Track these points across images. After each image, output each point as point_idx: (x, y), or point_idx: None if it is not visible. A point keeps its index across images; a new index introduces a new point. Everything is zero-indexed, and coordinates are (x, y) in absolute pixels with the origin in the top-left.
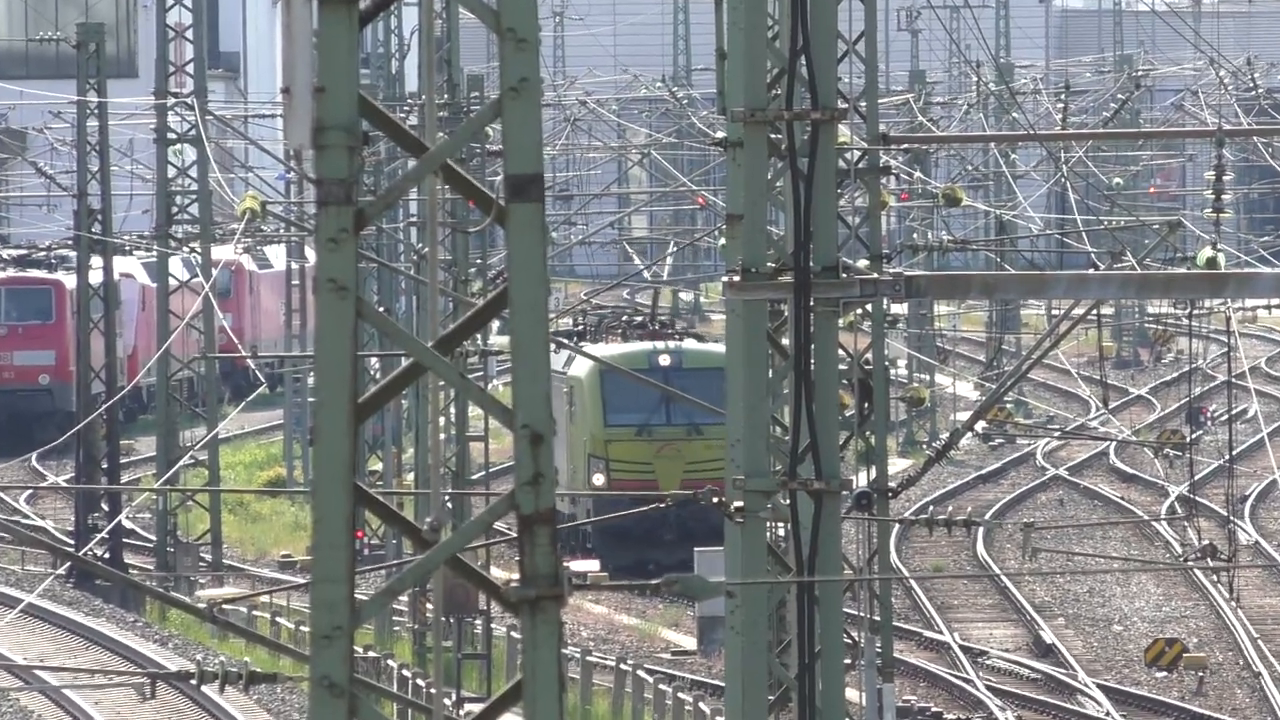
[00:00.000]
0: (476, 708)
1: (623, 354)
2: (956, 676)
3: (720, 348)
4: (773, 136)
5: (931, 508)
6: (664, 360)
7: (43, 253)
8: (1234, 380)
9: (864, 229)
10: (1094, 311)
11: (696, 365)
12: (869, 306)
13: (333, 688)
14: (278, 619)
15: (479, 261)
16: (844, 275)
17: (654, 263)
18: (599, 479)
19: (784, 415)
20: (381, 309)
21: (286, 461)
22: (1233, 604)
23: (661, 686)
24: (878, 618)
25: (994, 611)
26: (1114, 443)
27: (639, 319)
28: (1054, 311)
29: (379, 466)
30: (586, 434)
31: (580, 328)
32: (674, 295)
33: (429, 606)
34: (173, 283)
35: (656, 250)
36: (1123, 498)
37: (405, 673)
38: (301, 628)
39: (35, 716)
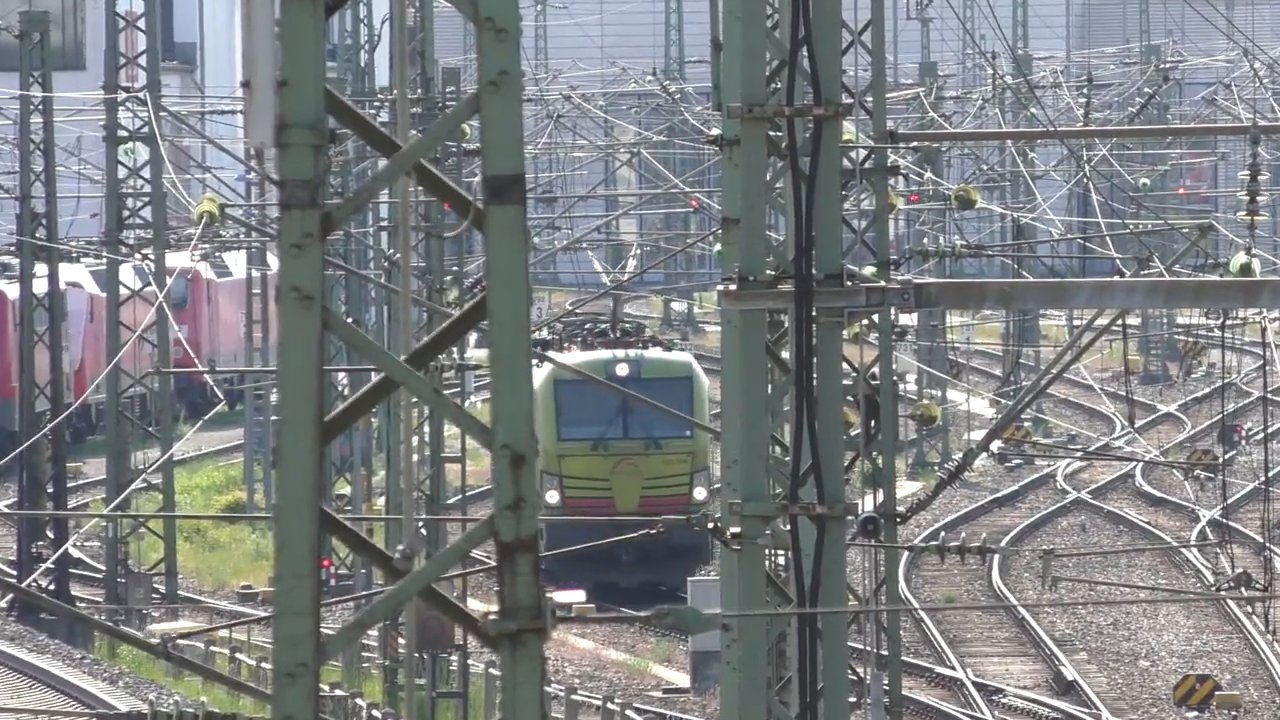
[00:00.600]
0: None
1: (578, 363)
2: (970, 716)
3: (681, 357)
4: (772, 134)
5: (943, 534)
6: (622, 370)
7: None
8: (1270, 396)
9: (870, 233)
10: (1119, 322)
11: (656, 375)
12: (875, 317)
13: None
14: (237, 655)
15: (455, 269)
16: (849, 283)
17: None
18: (552, 496)
19: (784, 434)
20: (350, 320)
21: (247, 485)
22: (1269, 637)
23: None
24: (885, 652)
25: (1010, 645)
26: (1141, 463)
27: (601, 327)
28: (1076, 322)
29: (347, 490)
30: (539, 448)
31: (546, 337)
32: (665, 305)
33: (401, 641)
34: (123, 292)
35: (647, 257)
36: (1150, 523)
37: (375, 713)
38: (263, 665)
39: None
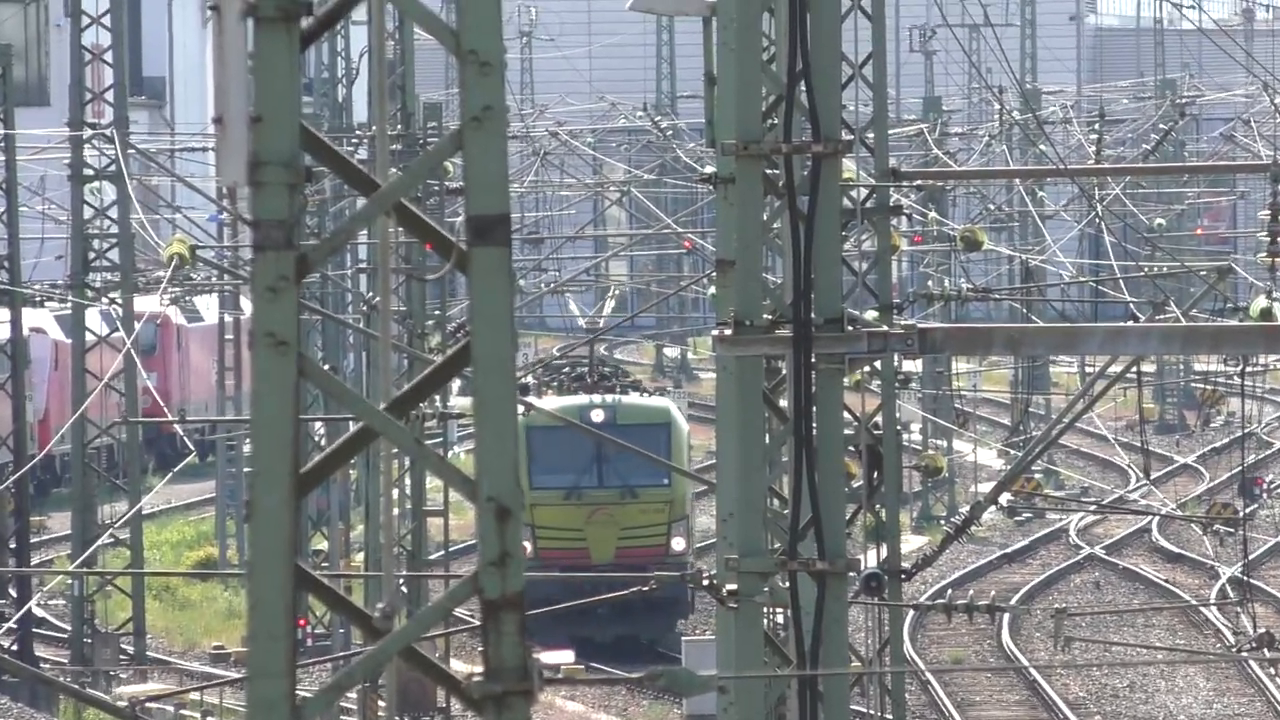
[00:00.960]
0: None
1: (552, 409)
2: None
3: (658, 402)
4: (769, 172)
5: (950, 591)
6: (597, 416)
7: None
8: None
9: (872, 276)
10: (1133, 369)
11: (632, 421)
12: (878, 363)
13: None
14: (208, 719)
15: (437, 313)
16: (850, 328)
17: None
18: (525, 548)
19: (782, 486)
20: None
21: (219, 540)
22: None
23: None
24: (890, 716)
25: (1022, 709)
26: (1157, 517)
27: (578, 371)
28: (1088, 369)
29: (324, 545)
30: None
31: (525, 382)
32: (658, 350)
33: (381, 704)
34: (90, 338)
35: (638, 300)
36: (1168, 580)
37: None
38: None
39: None
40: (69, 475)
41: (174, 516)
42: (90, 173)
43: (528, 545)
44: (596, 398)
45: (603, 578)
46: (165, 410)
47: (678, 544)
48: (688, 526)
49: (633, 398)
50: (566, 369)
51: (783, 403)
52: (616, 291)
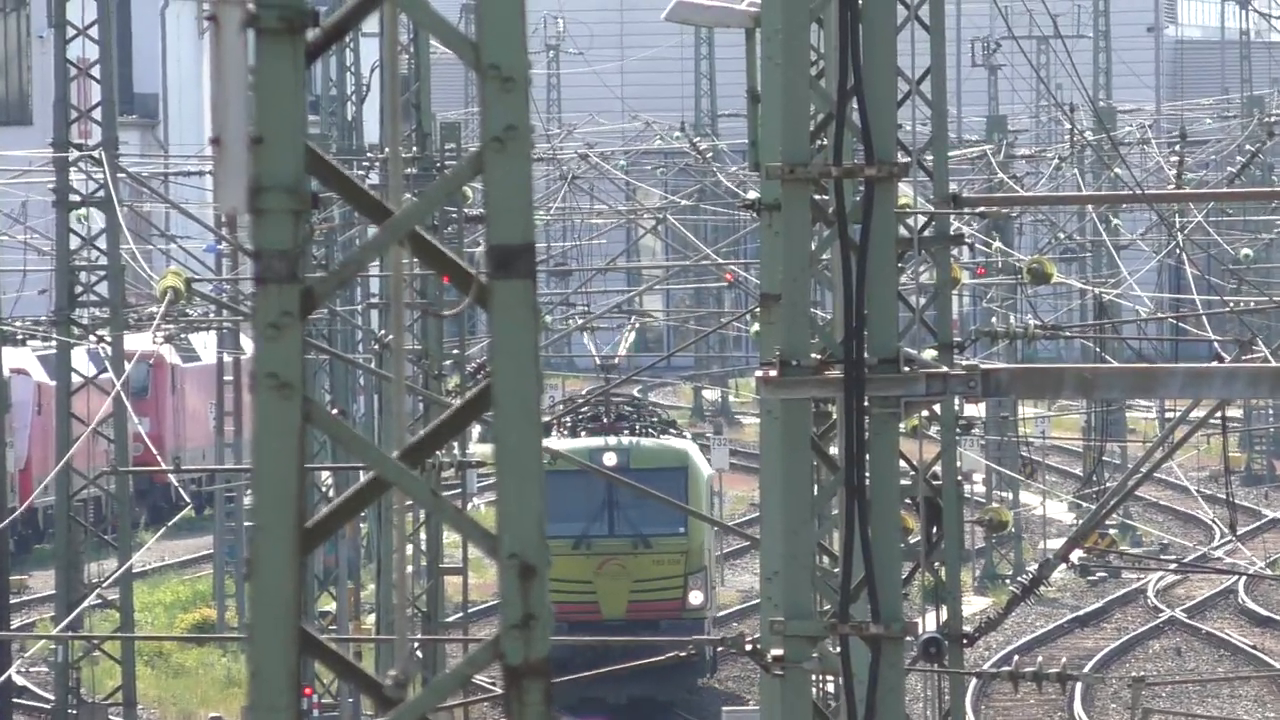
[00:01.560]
0: None
1: (563, 452)
2: None
3: (676, 444)
4: (817, 198)
5: (1016, 657)
6: (609, 459)
7: None
8: None
9: (930, 311)
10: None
11: (646, 465)
12: (937, 407)
13: None
14: None
15: (455, 352)
16: (906, 369)
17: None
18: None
19: (833, 542)
20: (335, 411)
21: (217, 601)
22: None
23: None
24: None
25: None
26: (1244, 577)
27: (593, 410)
28: (1168, 414)
29: (332, 606)
30: None
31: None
32: (696, 393)
33: None
34: (76, 380)
35: (675, 338)
36: (1255, 646)
37: None
38: None
39: None
40: (53, 530)
41: (167, 575)
42: (77, 198)
43: None
44: (611, 439)
45: (629, 642)
46: (158, 459)
47: (695, 598)
48: (706, 579)
49: (649, 440)
50: (585, 408)
51: (833, 450)
52: (637, 324)
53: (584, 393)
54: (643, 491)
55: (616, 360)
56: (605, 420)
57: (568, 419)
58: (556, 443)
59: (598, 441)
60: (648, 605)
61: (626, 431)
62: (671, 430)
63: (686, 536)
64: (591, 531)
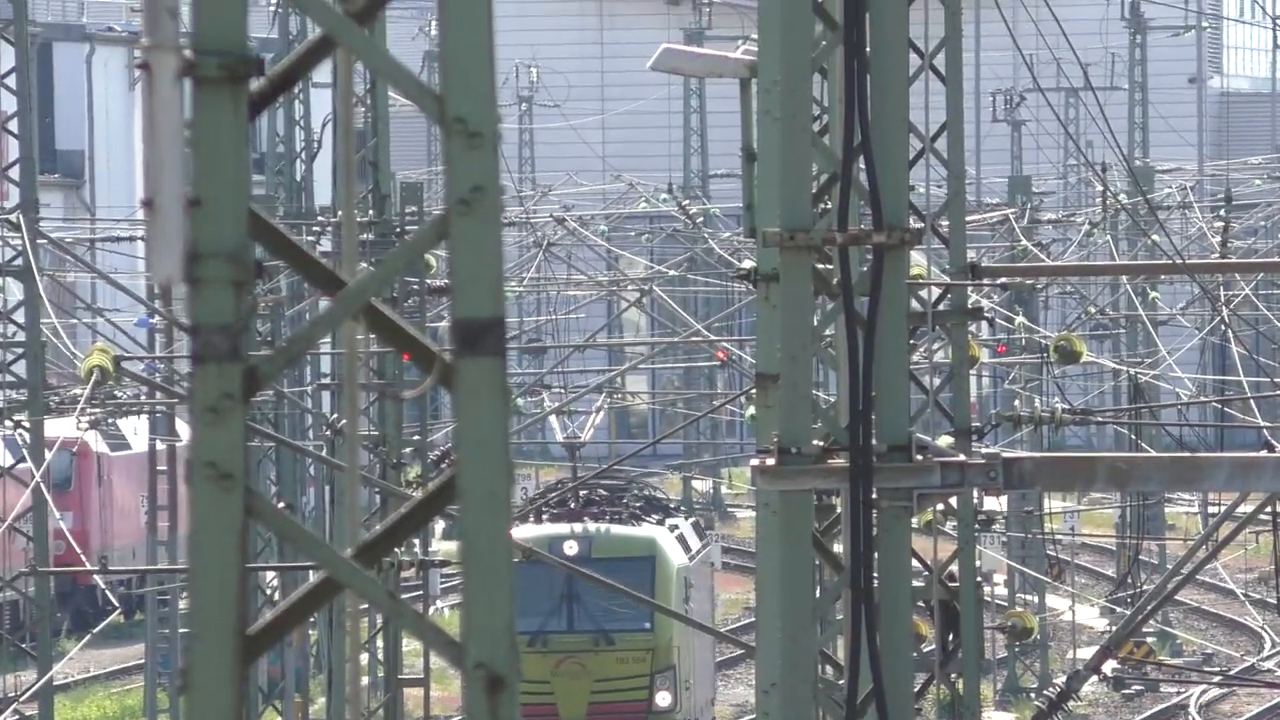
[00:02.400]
0: None
1: (519, 540)
2: None
3: (642, 532)
4: (820, 267)
5: None
6: (570, 548)
7: None
8: None
9: (946, 394)
10: (1267, 509)
11: (608, 554)
12: (953, 501)
13: None
14: None
15: (416, 438)
16: (919, 457)
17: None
18: None
19: (837, 650)
20: (281, 505)
21: (148, 717)
22: None
23: None
24: None
25: None
26: None
27: (558, 495)
28: (1211, 509)
29: None
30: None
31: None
32: (685, 483)
33: None
34: None
35: (662, 423)
36: None
37: None
38: None
39: None
40: None
41: (93, 688)
42: None
43: None
44: (569, 527)
45: None
46: (83, 558)
47: (663, 699)
48: (675, 678)
49: (616, 528)
50: (553, 495)
51: (837, 548)
52: (604, 404)
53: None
54: (601, 584)
55: (583, 440)
56: (572, 506)
57: (535, 505)
58: (518, 531)
59: (558, 529)
60: (610, 706)
61: (599, 519)
62: (653, 518)
63: (653, 632)
64: (549, 627)
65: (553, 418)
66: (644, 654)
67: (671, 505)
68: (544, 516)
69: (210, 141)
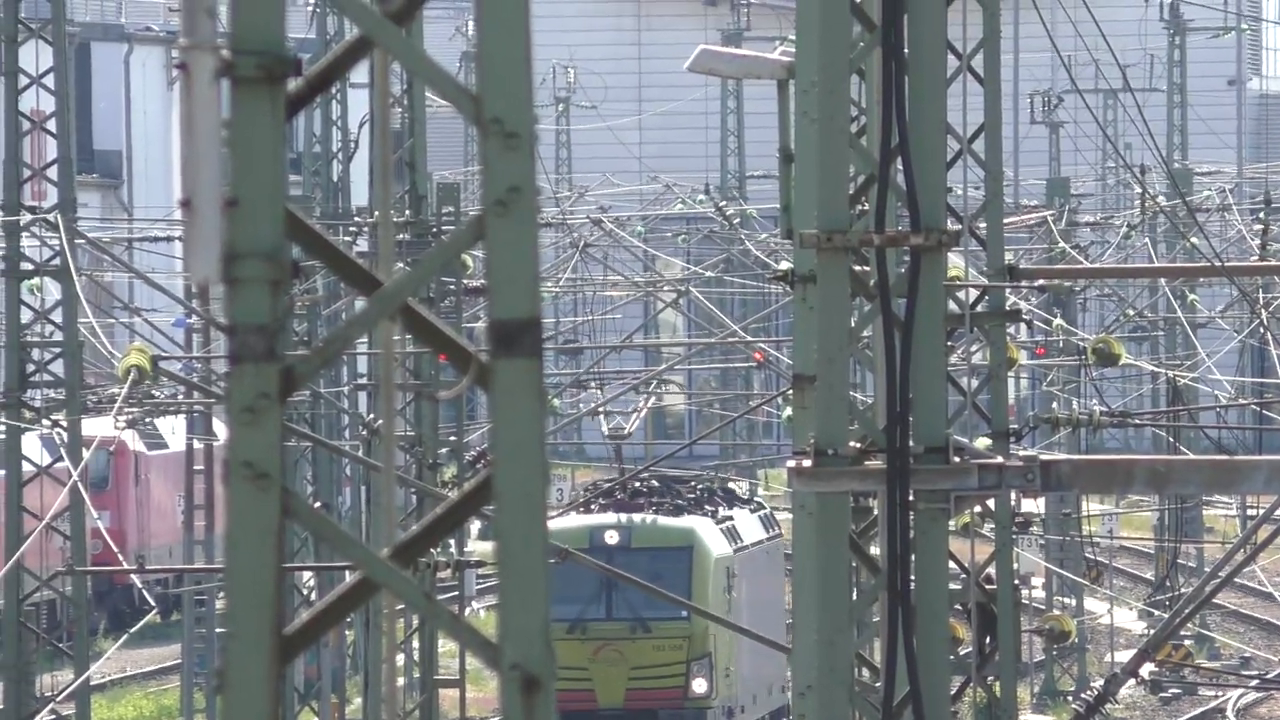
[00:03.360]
0: None
1: (559, 530)
2: None
3: (681, 522)
4: (857, 269)
5: None
6: (610, 537)
7: None
8: None
9: (984, 395)
10: None
11: (646, 544)
12: (991, 503)
13: None
14: None
15: (452, 439)
16: (956, 459)
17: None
18: None
19: (873, 653)
20: (318, 504)
21: (185, 717)
22: None
23: None
24: None
25: None
26: None
27: (605, 485)
28: (1250, 511)
29: None
30: None
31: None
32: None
33: None
34: (27, 469)
35: (699, 423)
36: None
37: None
38: None
39: None
40: (1, 637)
41: (130, 688)
42: (29, 267)
43: None
44: (612, 517)
45: None
46: (120, 557)
47: (699, 686)
48: (711, 665)
49: (656, 518)
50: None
51: (874, 550)
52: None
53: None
54: (611, 573)
55: (628, 434)
56: (619, 496)
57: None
58: (562, 521)
59: (601, 519)
60: (646, 694)
61: (644, 509)
62: (707, 509)
63: (689, 621)
64: (588, 615)
65: (602, 420)
66: (680, 642)
67: (744, 497)
68: (593, 506)
69: (247, 141)
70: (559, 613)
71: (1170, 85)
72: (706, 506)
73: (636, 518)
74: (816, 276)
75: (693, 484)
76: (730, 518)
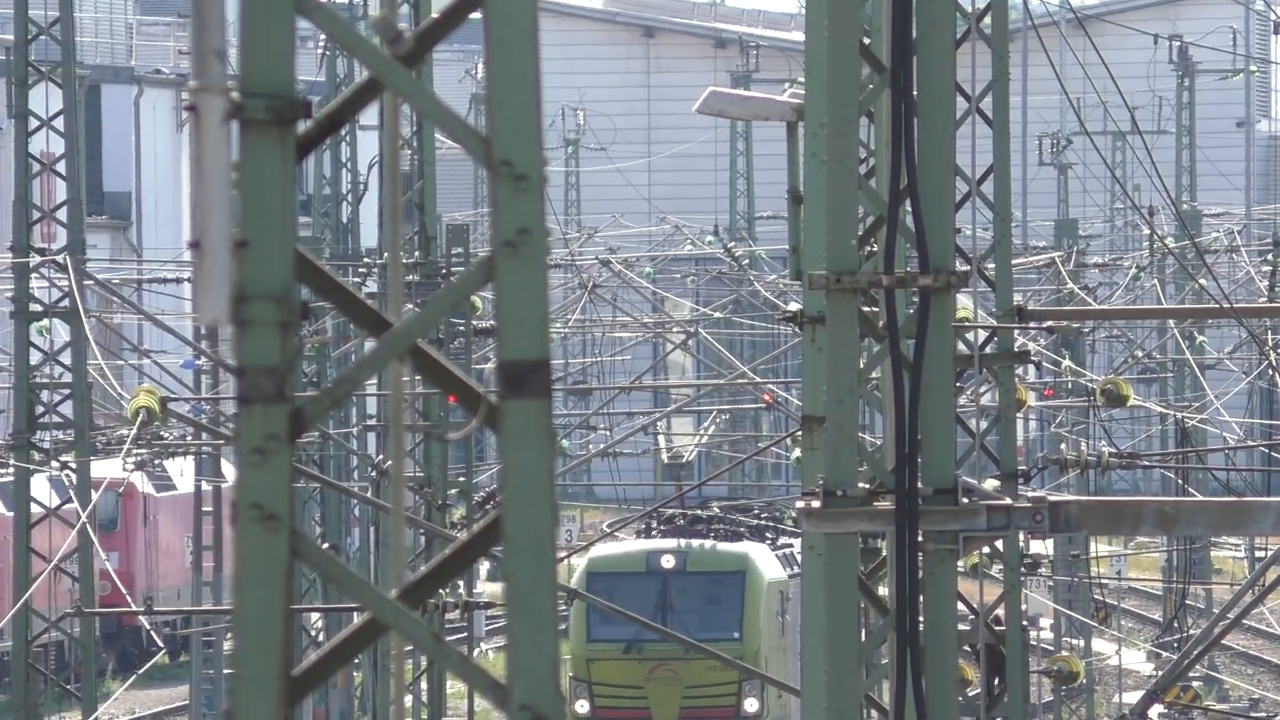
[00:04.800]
0: None
1: (618, 554)
2: None
3: (736, 548)
4: (866, 310)
5: None
6: (667, 562)
7: None
8: None
9: (993, 437)
10: None
11: (701, 568)
12: (999, 544)
13: None
14: None
15: (461, 480)
16: (965, 500)
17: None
18: (582, 706)
19: (882, 694)
20: (326, 545)
21: None
22: None
23: None
24: None
25: None
26: None
27: (668, 513)
28: (1259, 553)
29: None
30: (568, 651)
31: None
32: None
33: None
34: (36, 510)
35: (708, 464)
36: None
37: None
38: None
39: None
40: (9, 678)
41: None
42: (38, 308)
43: (585, 703)
44: (669, 542)
45: None
46: (128, 599)
47: (750, 705)
48: (763, 685)
49: (713, 543)
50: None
51: (883, 591)
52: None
53: (605, 527)
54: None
55: (685, 459)
56: (679, 523)
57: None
58: (613, 545)
59: (660, 544)
60: (700, 712)
61: (701, 535)
62: (768, 537)
63: (742, 643)
64: (644, 636)
65: (661, 439)
66: None
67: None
68: (653, 532)
69: (257, 183)
70: (616, 634)
71: (1179, 127)
72: (767, 535)
73: (694, 543)
74: (826, 318)
75: (756, 512)
76: (791, 545)
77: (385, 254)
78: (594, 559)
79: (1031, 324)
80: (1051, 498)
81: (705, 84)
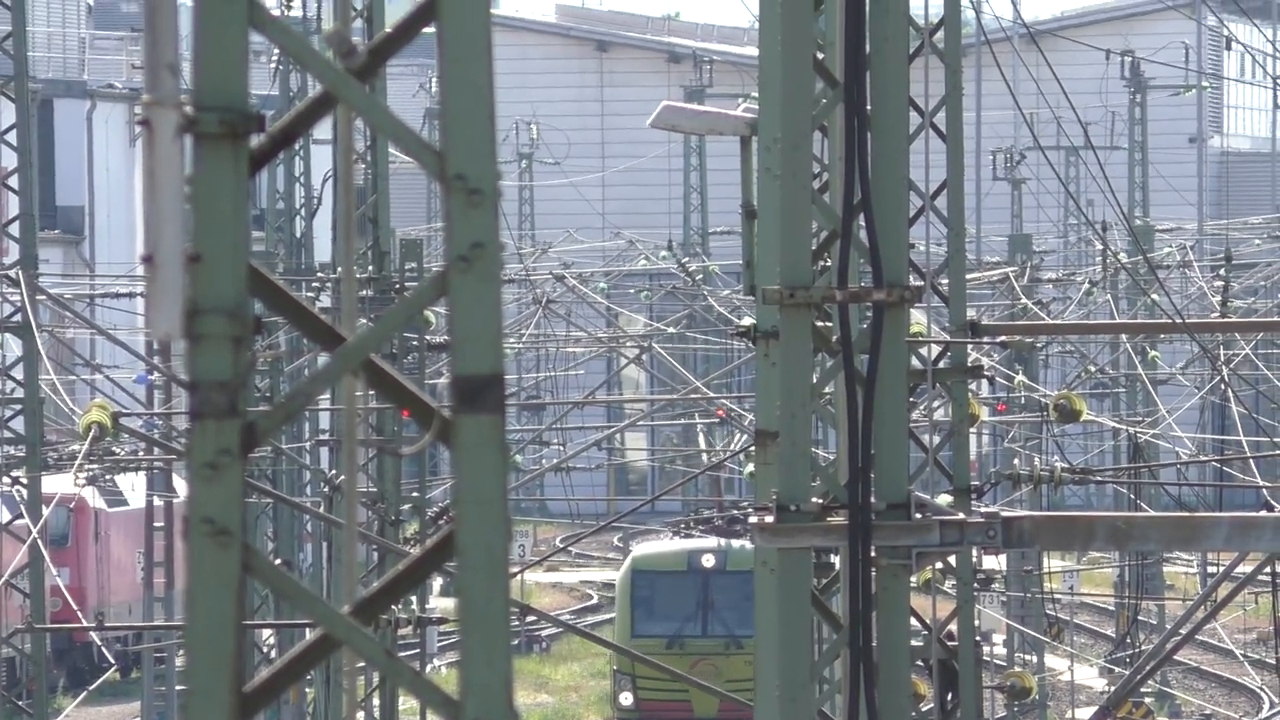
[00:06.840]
0: None
1: (661, 553)
2: None
3: None
4: (820, 325)
5: None
6: (707, 561)
7: None
8: None
9: (946, 452)
10: (1266, 569)
11: (739, 567)
12: (952, 559)
13: None
14: None
15: (415, 495)
16: (918, 515)
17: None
18: (626, 699)
19: (835, 709)
20: (278, 560)
21: None
22: None
23: None
24: None
25: None
26: None
27: (705, 513)
28: (1211, 569)
29: None
30: (617, 639)
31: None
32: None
33: None
34: None
35: (660, 480)
36: None
37: None
38: None
39: None
40: None
41: None
42: None
43: (629, 695)
44: (710, 541)
45: None
46: (79, 615)
47: None
48: None
49: (748, 543)
50: (702, 512)
51: (836, 606)
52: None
53: (558, 542)
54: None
55: (723, 459)
56: (718, 523)
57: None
58: (656, 544)
59: (701, 543)
60: (740, 705)
61: (741, 535)
62: None
63: None
64: (685, 631)
65: (701, 438)
66: None
67: None
68: (696, 532)
69: (210, 197)
70: (659, 629)
71: (1131, 143)
72: None
73: (735, 543)
74: (779, 332)
75: None
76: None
77: (339, 268)
78: (637, 557)
79: (985, 339)
80: (1004, 513)
81: (659, 98)
